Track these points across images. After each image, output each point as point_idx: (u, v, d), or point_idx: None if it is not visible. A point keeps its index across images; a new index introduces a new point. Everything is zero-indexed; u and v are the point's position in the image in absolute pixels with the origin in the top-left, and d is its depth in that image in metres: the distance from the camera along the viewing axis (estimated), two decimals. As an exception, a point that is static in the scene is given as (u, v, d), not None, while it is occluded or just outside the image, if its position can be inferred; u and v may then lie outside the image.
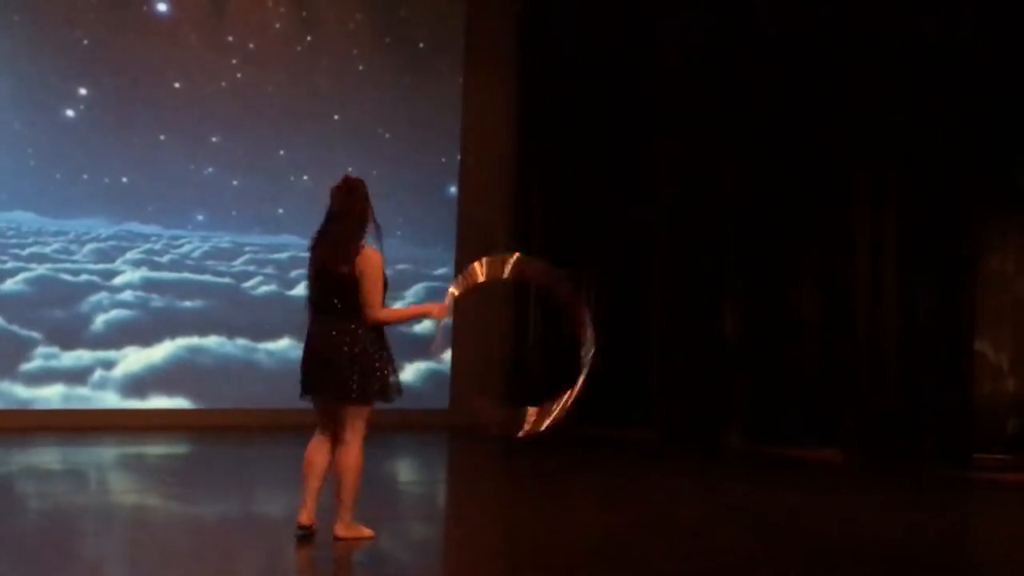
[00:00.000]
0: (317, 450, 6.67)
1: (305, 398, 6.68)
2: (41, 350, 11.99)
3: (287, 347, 12.83)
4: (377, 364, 6.55)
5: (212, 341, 12.75)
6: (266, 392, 12.47)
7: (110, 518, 7.67)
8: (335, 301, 6.52)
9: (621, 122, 13.74)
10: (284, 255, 12.98)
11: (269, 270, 12.97)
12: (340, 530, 6.66)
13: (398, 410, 12.78)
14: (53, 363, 12.02)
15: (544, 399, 13.28)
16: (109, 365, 12.30)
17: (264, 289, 13.01)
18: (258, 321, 12.89)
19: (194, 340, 12.68)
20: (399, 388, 6.73)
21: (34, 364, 11.94)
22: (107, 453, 10.74)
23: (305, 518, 6.59)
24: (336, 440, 6.64)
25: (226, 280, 12.73)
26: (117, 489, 9.05)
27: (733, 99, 12.61)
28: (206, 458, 10.81)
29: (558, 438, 12.15)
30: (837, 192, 11.88)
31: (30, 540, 6.76)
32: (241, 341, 12.87)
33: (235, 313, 12.86)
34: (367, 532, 6.77)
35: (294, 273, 13.04)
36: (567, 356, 13.42)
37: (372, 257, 6.50)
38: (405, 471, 10.93)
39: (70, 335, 12.10)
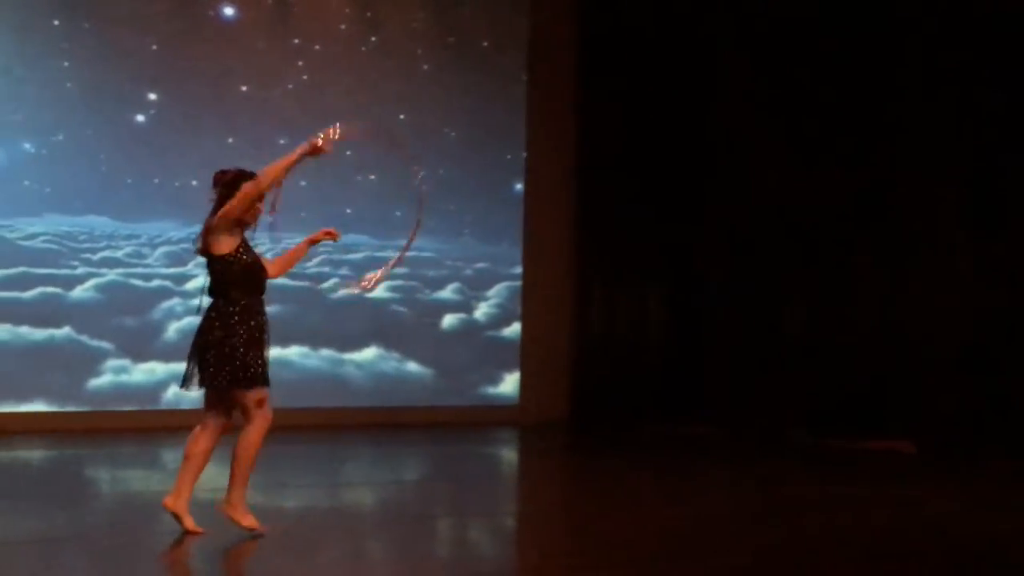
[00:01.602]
0: (195, 439, 6.68)
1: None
2: (111, 363, 12.06)
3: (375, 357, 12.91)
4: (230, 349, 6.47)
5: (294, 352, 12.76)
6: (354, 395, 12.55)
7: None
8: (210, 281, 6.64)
9: (683, 118, 13.70)
10: (359, 255, 13.01)
11: (345, 271, 13.00)
12: (226, 508, 6.64)
13: (467, 407, 13.20)
14: (124, 378, 12.09)
15: (609, 393, 13.49)
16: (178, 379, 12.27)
17: (344, 292, 13.08)
18: (340, 327, 12.88)
19: (274, 351, 12.61)
20: (255, 374, 6.53)
21: (103, 380, 12.02)
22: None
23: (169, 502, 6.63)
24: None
25: (303, 284, 12.80)
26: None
27: (794, 97, 12.60)
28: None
29: (626, 436, 12.43)
30: (900, 186, 11.80)
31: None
32: (326, 352, 12.92)
33: (316, 319, 12.82)
34: (251, 522, 6.63)
35: (371, 273, 13.02)
36: (629, 350, 13.76)
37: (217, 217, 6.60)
38: (474, 468, 10.93)
39: (142, 345, 12.15)
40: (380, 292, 13.17)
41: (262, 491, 7.41)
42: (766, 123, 12.82)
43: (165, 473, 9.71)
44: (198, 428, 6.66)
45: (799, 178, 12.52)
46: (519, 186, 13.91)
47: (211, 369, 6.43)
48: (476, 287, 13.79)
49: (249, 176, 6.69)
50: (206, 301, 6.62)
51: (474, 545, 7.44)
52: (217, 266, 6.59)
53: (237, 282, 6.60)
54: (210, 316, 6.51)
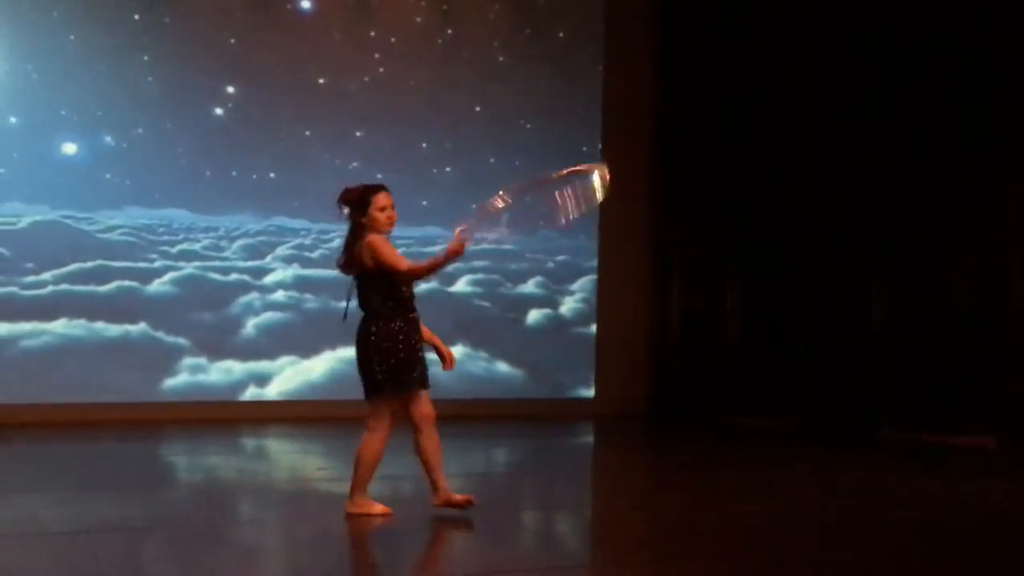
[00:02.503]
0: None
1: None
2: (188, 361, 12.08)
3: (461, 354, 12.83)
4: (381, 357, 6.76)
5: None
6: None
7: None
8: (366, 295, 6.86)
9: (761, 109, 13.45)
10: (438, 248, 12.89)
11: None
12: (349, 506, 6.89)
13: (544, 400, 13.20)
14: (200, 377, 12.10)
15: (688, 386, 13.40)
16: (262, 380, 12.36)
17: (425, 287, 13.05)
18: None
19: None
20: (418, 380, 6.89)
21: (179, 380, 12.04)
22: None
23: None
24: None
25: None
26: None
27: (879, 83, 12.30)
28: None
29: (706, 428, 12.34)
30: (989, 179, 11.57)
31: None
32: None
33: None
34: (378, 508, 6.91)
35: (451, 267, 13.05)
36: (709, 342, 13.66)
37: (371, 241, 6.74)
38: (551, 460, 10.90)
39: (219, 343, 12.19)
40: (462, 286, 13.21)
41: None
42: (850, 109, 12.58)
43: (241, 460, 9.84)
44: (369, 433, 6.95)
45: (886, 163, 12.25)
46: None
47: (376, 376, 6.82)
48: (558, 280, 13.79)
49: (374, 190, 6.86)
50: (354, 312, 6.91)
51: (554, 536, 7.42)
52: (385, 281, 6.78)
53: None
54: (367, 327, 6.81)
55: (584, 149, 13.73)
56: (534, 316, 13.65)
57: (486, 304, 13.44)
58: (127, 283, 11.91)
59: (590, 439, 12.59)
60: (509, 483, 9.43)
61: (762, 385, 13.27)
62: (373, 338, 6.76)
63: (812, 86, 12.99)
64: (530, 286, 13.66)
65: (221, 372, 12.15)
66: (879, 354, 12.30)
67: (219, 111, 12.36)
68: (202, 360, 12.06)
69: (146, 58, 12.03)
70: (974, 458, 10.73)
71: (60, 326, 11.59)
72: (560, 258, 13.74)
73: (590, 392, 13.75)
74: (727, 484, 9.13)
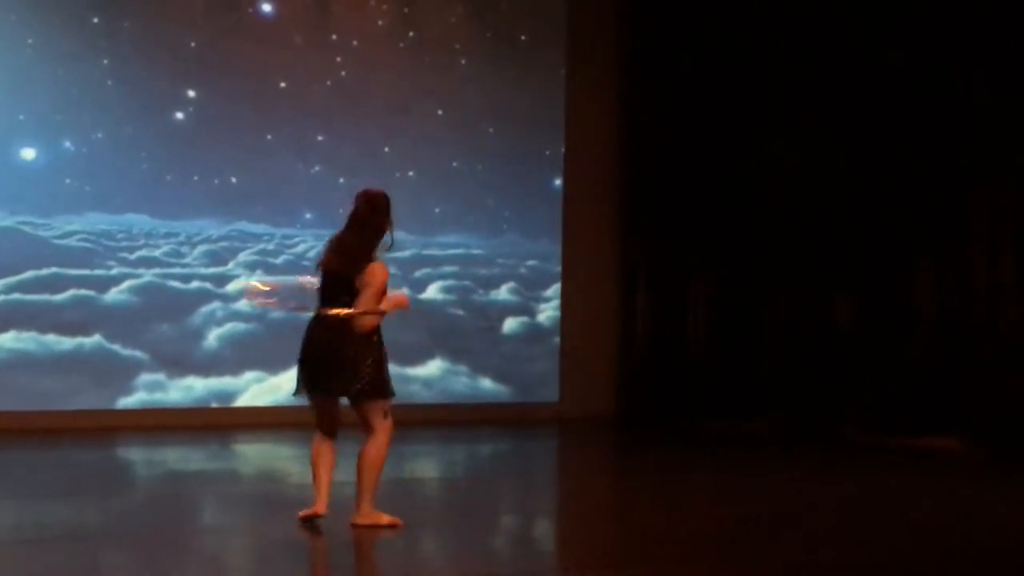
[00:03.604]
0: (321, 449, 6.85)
1: (303, 395, 6.85)
2: (144, 378, 11.83)
3: (440, 372, 12.79)
4: (374, 357, 6.70)
5: None
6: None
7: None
8: (344, 299, 6.71)
9: (728, 113, 13.44)
10: (406, 253, 12.85)
11: (393, 270, 12.75)
12: (358, 518, 6.74)
13: (507, 404, 13.11)
14: (158, 396, 11.83)
15: (654, 389, 13.34)
16: (226, 398, 12.14)
17: (398, 293, 12.87)
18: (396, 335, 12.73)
19: None
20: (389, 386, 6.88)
21: (135, 398, 11.77)
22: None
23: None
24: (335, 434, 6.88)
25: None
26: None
27: (844, 90, 12.35)
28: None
29: (673, 432, 12.30)
30: (954, 183, 11.61)
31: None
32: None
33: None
34: (386, 519, 6.80)
35: (419, 273, 13.12)
36: (675, 344, 13.61)
37: (379, 271, 6.71)
38: (516, 465, 10.88)
39: (179, 357, 11.95)
40: (428, 292, 13.14)
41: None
42: (817, 116, 12.61)
43: (203, 466, 9.71)
44: (319, 438, 6.85)
45: (853, 163, 12.29)
46: (558, 181, 13.81)
47: (358, 381, 6.65)
48: (529, 286, 13.71)
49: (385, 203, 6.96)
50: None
51: (516, 542, 7.36)
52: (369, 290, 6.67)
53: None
54: (357, 333, 6.65)
55: (547, 153, 13.79)
56: (506, 322, 13.58)
57: (459, 312, 13.37)
58: (83, 292, 11.70)
59: (555, 443, 12.50)
60: (472, 489, 9.32)
61: (729, 389, 13.28)
62: (362, 337, 6.64)
63: (780, 92, 13.01)
64: (503, 292, 13.57)
65: (181, 390, 11.95)
66: (844, 357, 12.33)
67: (180, 115, 12.21)
68: (160, 376, 11.84)
69: (106, 62, 11.87)
70: (939, 460, 10.76)
71: (8, 339, 11.36)
72: (502, 261, 13.59)
73: (554, 395, 13.66)
74: (696, 488, 9.17)
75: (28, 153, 11.61)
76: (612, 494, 9.28)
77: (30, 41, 11.62)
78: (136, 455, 10.61)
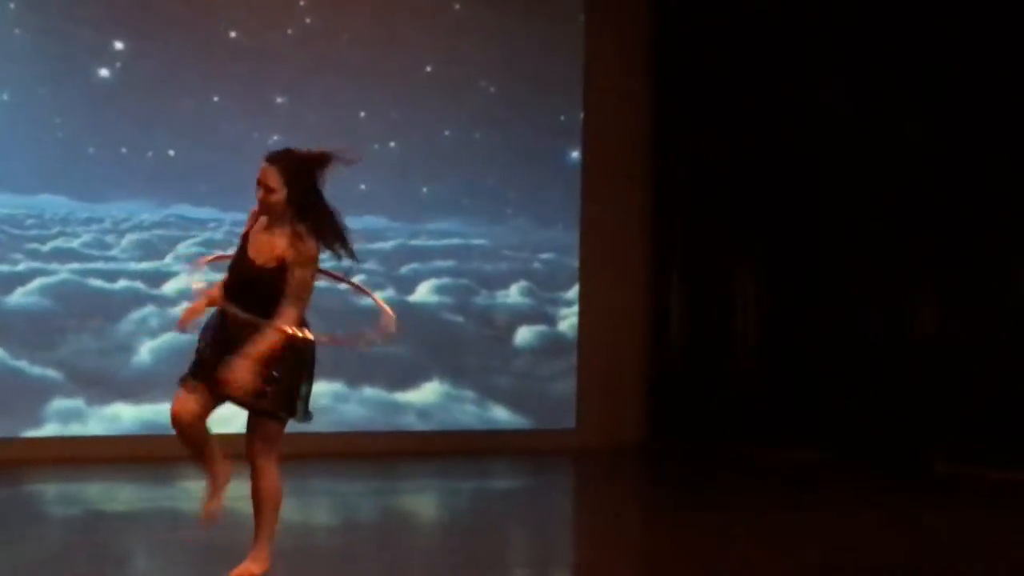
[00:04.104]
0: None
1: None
2: (58, 404, 11.63)
3: (434, 397, 12.72)
4: (307, 372, 6.59)
5: (324, 391, 12.19)
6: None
7: None
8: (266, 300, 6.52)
9: (782, 70, 13.38)
10: (388, 244, 12.90)
11: (372, 265, 12.78)
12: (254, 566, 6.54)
13: (512, 431, 12.98)
14: (75, 429, 11.62)
15: (691, 413, 13.29)
16: (161, 429, 11.90)
17: (378, 295, 12.75)
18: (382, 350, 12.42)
19: None
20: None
21: (45, 431, 11.57)
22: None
23: None
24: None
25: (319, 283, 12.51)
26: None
27: (919, 48, 12.39)
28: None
29: (713, 463, 12.22)
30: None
31: None
32: (370, 391, 12.63)
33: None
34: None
35: (405, 269, 13.02)
36: (717, 359, 13.46)
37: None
38: (528, 501, 10.94)
39: (103, 376, 11.80)
40: (416, 294, 13.10)
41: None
42: (885, 67, 12.60)
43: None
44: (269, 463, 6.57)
45: (933, 134, 12.32)
46: (575, 154, 13.67)
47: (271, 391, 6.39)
48: (543, 285, 13.70)
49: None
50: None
51: None
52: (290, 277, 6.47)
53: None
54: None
55: (561, 119, 13.70)
56: (516, 331, 13.60)
57: (458, 319, 13.31)
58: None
59: (571, 478, 12.57)
60: (477, 536, 9.27)
61: (784, 409, 13.24)
62: (302, 347, 6.44)
63: (842, 34, 12.94)
64: (513, 293, 13.57)
65: (104, 420, 11.73)
66: (929, 369, 12.29)
67: (104, 72, 12.09)
68: (78, 402, 11.65)
69: (12, 6, 11.82)
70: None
71: None
72: (508, 253, 13.57)
73: (571, 422, 13.60)
74: (740, 532, 9.07)
75: (-86, 119, 11.60)
76: (641, 540, 9.27)
77: (-85, -22, 11.59)
78: (48, 493, 10.52)
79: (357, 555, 8.51)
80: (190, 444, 6.49)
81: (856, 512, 9.99)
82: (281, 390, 6.33)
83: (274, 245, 6.39)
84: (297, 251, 6.36)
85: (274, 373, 6.28)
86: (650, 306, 13.98)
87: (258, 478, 6.40)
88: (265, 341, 6.19)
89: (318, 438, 11.82)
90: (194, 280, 6.66)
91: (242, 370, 6.13)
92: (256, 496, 6.44)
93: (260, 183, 6.44)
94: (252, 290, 6.37)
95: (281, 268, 6.36)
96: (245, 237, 6.52)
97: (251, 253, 6.42)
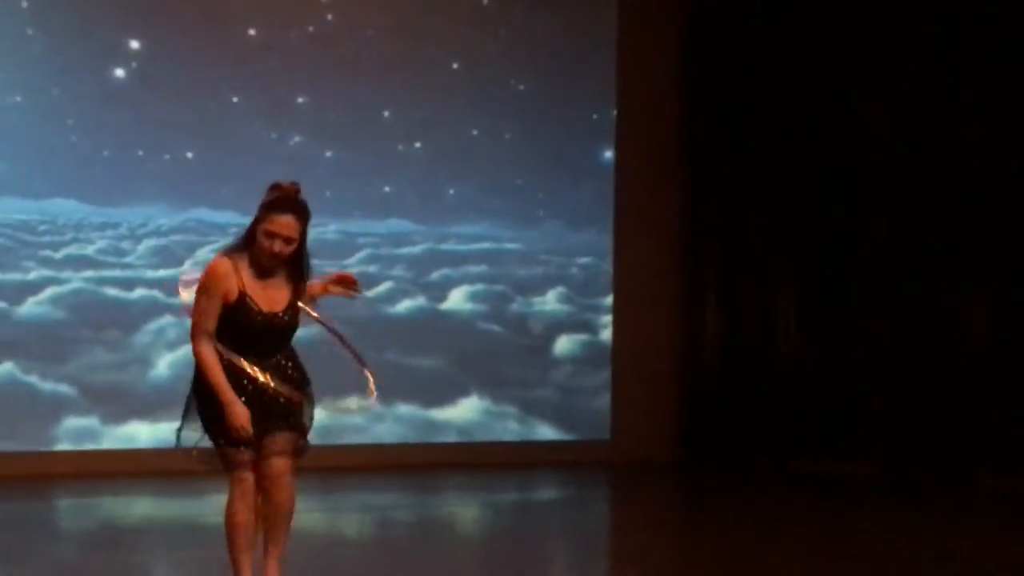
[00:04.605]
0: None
1: None
2: (71, 423, 11.57)
3: (472, 414, 12.69)
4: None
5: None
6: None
7: None
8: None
9: (823, 67, 13.28)
10: (415, 249, 12.86)
11: (400, 271, 12.79)
12: None
13: (550, 443, 12.89)
14: (89, 447, 11.51)
15: (729, 424, 13.18)
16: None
17: (408, 304, 12.84)
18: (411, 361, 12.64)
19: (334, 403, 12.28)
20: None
21: (57, 450, 11.48)
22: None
23: None
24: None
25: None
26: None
27: (967, 46, 12.24)
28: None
29: (751, 477, 12.10)
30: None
31: None
32: (405, 408, 12.57)
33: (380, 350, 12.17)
34: None
35: (435, 275, 12.97)
36: (755, 369, 13.33)
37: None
38: (557, 521, 10.73)
39: (118, 392, 11.71)
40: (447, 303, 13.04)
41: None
42: (929, 64, 12.47)
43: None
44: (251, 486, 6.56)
45: (980, 136, 12.17)
46: (608, 154, 13.55)
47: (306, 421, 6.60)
48: (576, 290, 13.64)
49: (266, 204, 6.39)
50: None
51: None
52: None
53: None
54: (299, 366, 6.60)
55: (594, 117, 13.62)
56: (554, 340, 13.50)
57: (494, 328, 13.23)
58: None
59: (603, 491, 12.49)
60: (514, 548, 9.28)
61: (824, 422, 13.12)
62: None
63: (885, 42, 12.82)
64: (551, 300, 13.48)
65: (120, 440, 11.58)
66: (977, 380, 12.15)
67: (120, 72, 12.09)
68: (92, 420, 11.55)
69: (25, 5, 11.78)
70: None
71: None
72: (543, 257, 13.47)
73: (604, 434, 13.50)
74: (779, 544, 9.07)
75: (-77, 121, 11.59)
76: (679, 558, 9.17)
77: (-75, -22, 11.58)
78: (63, 507, 10.54)
79: (395, 564, 8.60)
80: (244, 546, 6.46)
81: (895, 527, 9.93)
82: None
83: (283, 294, 6.38)
84: (301, 294, 6.45)
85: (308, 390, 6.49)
86: (685, 316, 13.89)
87: (287, 490, 6.41)
88: None
89: (352, 451, 12.02)
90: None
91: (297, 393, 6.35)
92: (282, 509, 6.41)
93: (281, 236, 6.25)
94: (277, 338, 6.41)
95: (296, 312, 6.43)
96: (243, 296, 6.34)
97: (265, 308, 6.34)
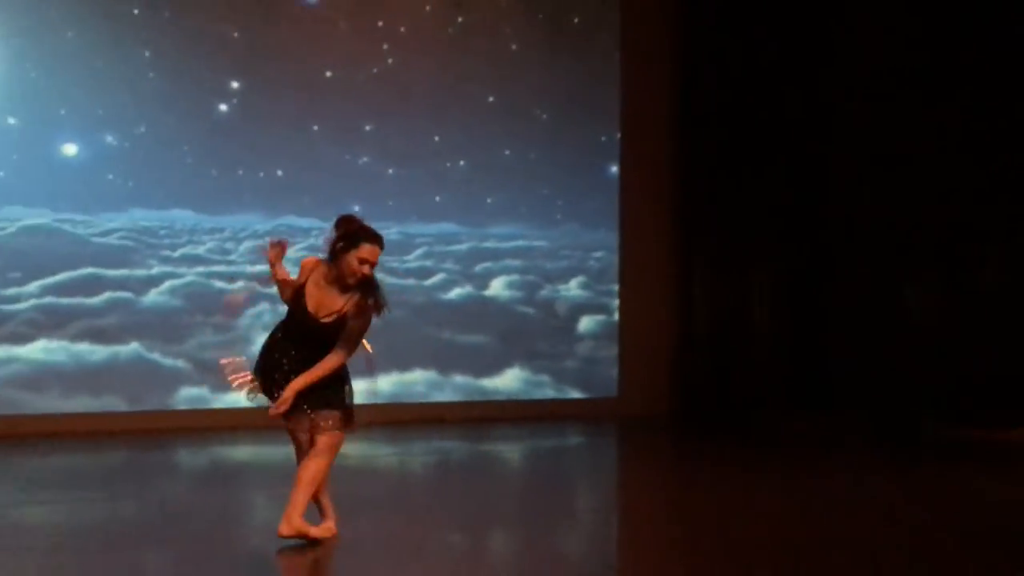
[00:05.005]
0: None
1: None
2: (186, 392, 11.62)
3: (515, 383, 12.62)
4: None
5: (419, 379, 12.48)
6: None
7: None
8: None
9: (795, 89, 13.16)
10: (462, 247, 12.81)
11: (451, 264, 12.78)
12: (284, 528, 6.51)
13: (562, 400, 12.89)
14: (198, 408, 11.52)
15: (716, 383, 13.10)
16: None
17: (458, 292, 12.81)
18: (459, 338, 12.70)
19: (400, 378, 12.36)
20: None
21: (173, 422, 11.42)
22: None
23: None
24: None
25: (409, 281, 12.49)
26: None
27: (923, 56, 12.07)
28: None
29: (735, 428, 12.06)
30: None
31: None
32: (460, 378, 12.63)
33: (438, 329, 12.49)
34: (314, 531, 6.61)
35: (479, 267, 12.91)
36: (738, 337, 13.30)
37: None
38: (574, 464, 10.73)
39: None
40: (491, 289, 12.99)
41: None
42: (892, 85, 12.34)
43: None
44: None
45: (930, 142, 12.09)
46: (614, 169, 13.50)
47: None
48: (555, 278, 13.46)
49: (355, 232, 6.41)
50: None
51: (577, 546, 7.24)
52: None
53: None
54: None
55: (603, 139, 13.45)
56: (575, 319, 13.42)
57: (528, 311, 13.19)
58: (120, 294, 11.53)
59: (613, 440, 12.33)
60: (526, 491, 9.33)
61: (796, 382, 13.05)
62: None
63: (851, 58, 12.69)
64: (573, 287, 13.39)
65: (226, 406, 11.27)
66: (928, 343, 12.09)
67: (224, 107, 12.03)
68: (203, 391, 11.54)
69: (147, 54, 11.71)
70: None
71: (37, 350, 11.22)
72: (563, 252, 13.38)
73: (612, 391, 13.43)
74: (763, 488, 8.89)
75: (69, 149, 11.49)
76: (670, 497, 9.06)
77: (70, 34, 11.47)
78: (180, 455, 10.57)
79: (453, 491, 8.84)
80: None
81: (855, 467, 9.86)
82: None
83: (335, 302, 6.39)
84: (360, 310, 6.40)
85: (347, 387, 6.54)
86: (678, 298, 13.63)
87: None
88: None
89: (417, 408, 12.19)
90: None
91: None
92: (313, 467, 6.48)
93: (370, 261, 6.34)
94: (313, 338, 6.44)
95: (340, 321, 6.40)
96: (300, 289, 6.44)
97: (311, 308, 6.40)
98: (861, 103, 12.52)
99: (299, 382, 6.36)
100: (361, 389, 6.70)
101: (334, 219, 6.48)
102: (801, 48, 13.08)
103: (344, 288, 6.37)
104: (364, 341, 6.49)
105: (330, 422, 6.42)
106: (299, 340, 6.44)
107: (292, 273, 6.59)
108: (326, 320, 6.37)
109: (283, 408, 6.36)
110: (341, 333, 6.38)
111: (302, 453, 6.56)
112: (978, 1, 11.74)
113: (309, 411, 6.41)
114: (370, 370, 6.68)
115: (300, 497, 6.42)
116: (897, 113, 12.19)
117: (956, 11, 11.80)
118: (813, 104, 13.03)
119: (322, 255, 6.46)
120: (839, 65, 12.77)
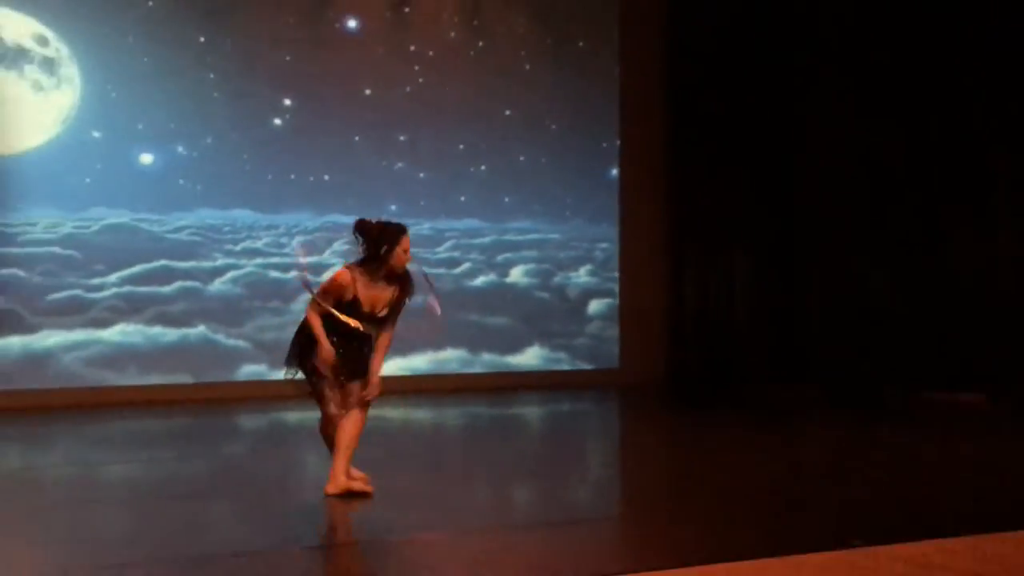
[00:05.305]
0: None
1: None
2: (247, 368, 11.62)
3: (535, 360, 12.62)
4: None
5: (452, 357, 12.47)
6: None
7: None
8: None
9: (772, 100, 13.07)
10: (486, 240, 12.79)
11: (476, 255, 12.75)
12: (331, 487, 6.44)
13: (573, 371, 12.90)
14: (255, 378, 11.48)
15: (704, 356, 13.06)
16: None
17: (483, 279, 12.79)
18: (484, 320, 12.66)
19: (434, 356, 12.48)
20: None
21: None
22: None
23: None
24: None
25: (440, 271, 12.45)
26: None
27: (884, 62, 11.96)
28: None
29: (722, 395, 12.03)
30: (989, 148, 11.23)
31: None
32: (488, 356, 12.60)
33: (465, 313, 12.42)
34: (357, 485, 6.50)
35: (500, 258, 12.89)
36: (723, 315, 13.28)
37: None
38: (574, 428, 10.64)
39: (281, 344, 11.42)
40: (512, 276, 12.95)
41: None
42: (859, 92, 12.20)
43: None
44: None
45: (889, 143, 11.98)
46: (614, 172, 13.48)
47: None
48: (564, 267, 13.37)
49: (391, 232, 6.31)
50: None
51: (579, 495, 7.21)
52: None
53: None
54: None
55: (604, 145, 13.43)
56: (582, 301, 13.36)
57: (544, 295, 13.14)
58: (189, 283, 11.53)
59: (615, 406, 12.20)
60: (560, 434, 9.63)
61: (774, 355, 12.97)
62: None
63: (825, 71, 12.63)
64: (582, 273, 13.33)
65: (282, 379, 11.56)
66: (886, 318, 11.96)
67: (278, 121, 12.06)
68: (262, 367, 11.46)
69: (212, 76, 11.76)
70: (970, 415, 10.39)
71: (116, 333, 11.23)
72: (573, 243, 13.30)
73: (614, 362, 13.40)
74: (749, 449, 8.79)
75: (146, 158, 11.53)
76: (661, 457, 8.94)
77: (145, 60, 11.51)
78: (242, 419, 10.55)
79: (481, 444, 8.94)
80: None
81: (827, 431, 9.78)
82: None
83: (383, 295, 6.35)
84: (406, 292, 6.38)
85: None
86: (671, 283, 13.46)
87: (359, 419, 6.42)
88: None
89: (451, 378, 12.18)
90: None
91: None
92: (353, 432, 6.41)
93: (409, 251, 6.31)
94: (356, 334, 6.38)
95: (394, 309, 6.39)
96: (353, 299, 6.31)
97: (367, 309, 6.32)
98: (834, 111, 12.47)
99: (377, 365, 6.40)
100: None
101: (352, 226, 6.41)
102: (779, 67, 13.03)
103: (390, 280, 6.33)
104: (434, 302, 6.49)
105: (361, 391, 6.41)
106: (344, 335, 6.38)
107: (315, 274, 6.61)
108: (383, 314, 6.37)
109: (378, 392, 6.39)
110: (390, 318, 6.39)
111: (327, 421, 6.52)
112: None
113: (345, 381, 6.40)
114: (435, 310, 6.52)
115: (341, 459, 6.44)
116: (865, 119, 12.14)
117: (927, 11, 11.70)
118: (788, 117, 12.99)
119: (350, 261, 6.39)
120: (815, 87, 12.73)
